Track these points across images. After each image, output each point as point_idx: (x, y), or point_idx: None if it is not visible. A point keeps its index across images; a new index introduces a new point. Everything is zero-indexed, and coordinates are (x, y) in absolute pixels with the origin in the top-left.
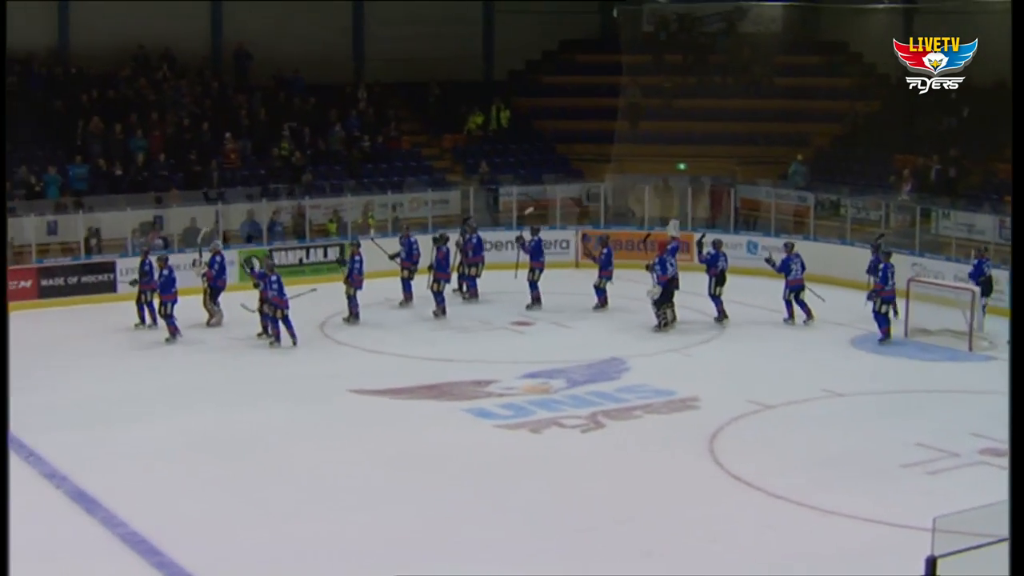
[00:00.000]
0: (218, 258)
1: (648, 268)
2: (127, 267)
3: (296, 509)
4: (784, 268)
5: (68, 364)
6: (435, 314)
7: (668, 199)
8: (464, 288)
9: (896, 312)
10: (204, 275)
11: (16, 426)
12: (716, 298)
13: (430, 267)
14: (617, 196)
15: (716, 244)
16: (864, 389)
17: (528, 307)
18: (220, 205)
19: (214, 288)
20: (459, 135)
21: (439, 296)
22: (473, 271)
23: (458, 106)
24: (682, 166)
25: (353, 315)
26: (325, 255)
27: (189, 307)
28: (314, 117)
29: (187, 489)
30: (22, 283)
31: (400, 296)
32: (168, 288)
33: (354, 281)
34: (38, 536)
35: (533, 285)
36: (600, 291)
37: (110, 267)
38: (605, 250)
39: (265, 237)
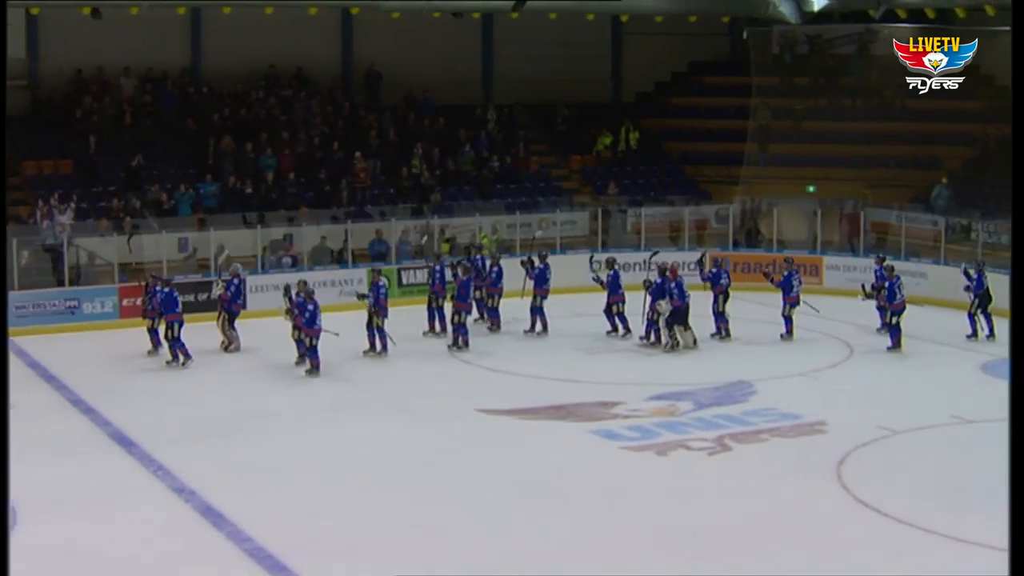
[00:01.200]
0: (235, 281)
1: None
2: (257, 284)
3: (420, 528)
4: (785, 284)
5: (196, 379)
6: (458, 345)
7: (797, 222)
8: (484, 317)
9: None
10: (219, 298)
11: (145, 440)
12: (720, 315)
13: (452, 297)
14: (746, 218)
15: (718, 262)
16: (994, 416)
17: (525, 332)
18: (349, 224)
19: (229, 312)
20: (588, 156)
21: (460, 328)
22: (492, 301)
23: (587, 127)
24: (811, 189)
25: (382, 347)
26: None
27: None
28: (444, 137)
29: (314, 506)
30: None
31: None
32: (172, 309)
33: (380, 309)
34: (165, 550)
35: (537, 311)
36: (622, 317)
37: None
38: (611, 273)
39: (393, 256)
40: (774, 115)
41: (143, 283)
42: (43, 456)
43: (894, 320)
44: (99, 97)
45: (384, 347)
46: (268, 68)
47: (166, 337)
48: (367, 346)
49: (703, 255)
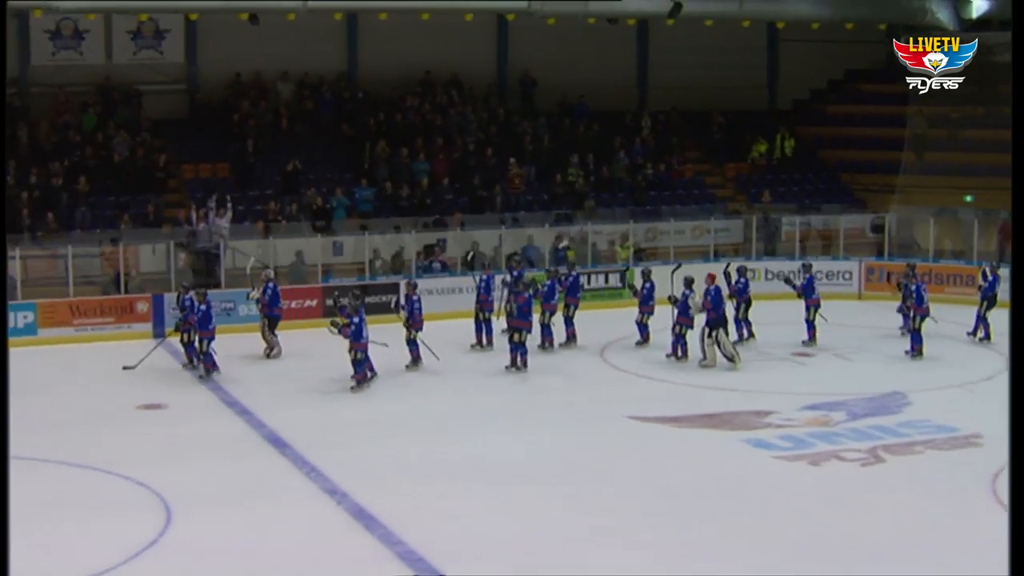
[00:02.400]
0: (271, 285)
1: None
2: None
3: (571, 535)
4: (808, 289)
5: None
6: (517, 368)
7: (954, 232)
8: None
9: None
10: (259, 302)
11: (299, 442)
12: (744, 321)
13: (511, 316)
14: (902, 227)
15: (741, 271)
16: None
17: (560, 345)
18: (503, 229)
19: (270, 318)
20: (742, 164)
21: (519, 347)
22: (510, 308)
23: (742, 134)
24: (969, 198)
25: (417, 359)
26: (606, 281)
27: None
28: (598, 144)
29: (466, 511)
30: (307, 302)
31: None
32: (206, 324)
33: (415, 323)
34: (317, 552)
35: (567, 322)
36: (643, 327)
37: (393, 288)
38: (647, 285)
39: (547, 262)
40: (931, 123)
41: (177, 293)
42: (198, 456)
43: (918, 324)
44: (256, 102)
45: (417, 359)
46: (424, 74)
47: (199, 350)
48: (409, 360)
49: (728, 265)
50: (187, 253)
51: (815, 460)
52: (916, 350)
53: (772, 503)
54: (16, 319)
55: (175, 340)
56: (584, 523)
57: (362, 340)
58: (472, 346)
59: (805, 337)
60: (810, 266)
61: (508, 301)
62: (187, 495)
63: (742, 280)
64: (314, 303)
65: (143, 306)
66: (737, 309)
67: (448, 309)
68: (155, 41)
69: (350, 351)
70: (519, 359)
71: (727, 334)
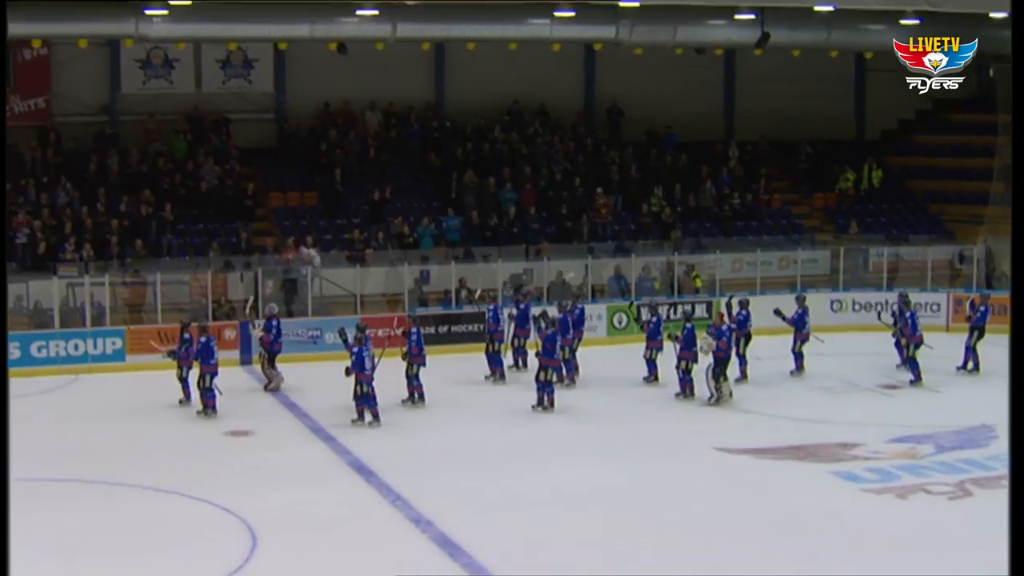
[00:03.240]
0: (274, 322)
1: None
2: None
3: (656, 565)
4: (799, 322)
5: (435, 410)
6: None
7: None
8: (519, 363)
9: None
10: (260, 339)
11: (384, 470)
12: (741, 357)
13: (538, 354)
14: (991, 259)
15: (743, 303)
16: None
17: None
18: (589, 259)
19: (271, 352)
20: (830, 194)
21: (546, 386)
22: (517, 343)
23: (830, 164)
24: None
25: (418, 396)
26: (692, 311)
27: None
28: (685, 174)
29: (550, 540)
30: (395, 331)
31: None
32: (208, 359)
33: (415, 357)
34: None
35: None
36: (651, 363)
37: (479, 317)
38: (654, 319)
39: (632, 292)
40: None
41: (180, 324)
42: (283, 483)
43: (912, 353)
44: (344, 131)
45: (421, 396)
46: (511, 103)
47: (197, 385)
48: (405, 395)
49: (729, 299)
50: (275, 281)
51: (902, 493)
52: (917, 376)
53: (860, 536)
54: (104, 345)
55: (256, 366)
56: (674, 556)
57: (365, 372)
58: (486, 377)
59: (792, 367)
60: (803, 298)
61: (516, 336)
62: (272, 521)
63: (743, 313)
64: (401, 331)
65: (230, 333)
66: (736, 344)
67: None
68: (244, 70)
69: (356, 384)
70: (546, 398)
71: (724, 377)
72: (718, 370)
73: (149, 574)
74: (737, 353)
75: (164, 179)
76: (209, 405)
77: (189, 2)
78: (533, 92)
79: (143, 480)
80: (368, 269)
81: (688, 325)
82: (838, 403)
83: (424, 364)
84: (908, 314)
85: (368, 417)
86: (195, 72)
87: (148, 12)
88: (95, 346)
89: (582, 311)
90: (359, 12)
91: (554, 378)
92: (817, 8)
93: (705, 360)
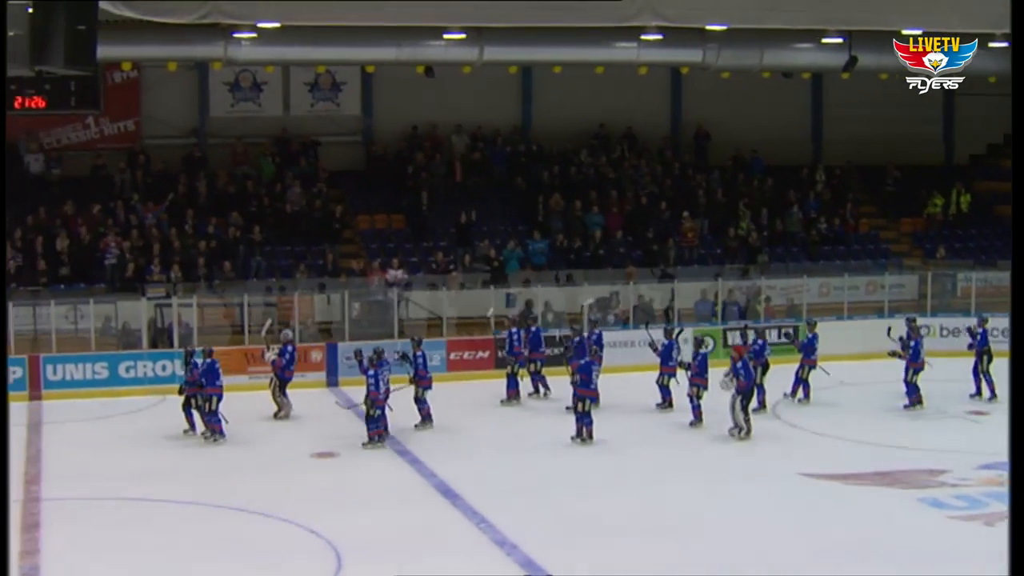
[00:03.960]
0: (289, 348)
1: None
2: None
3: None
4: (808, 348)
5: (523, 434)
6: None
7: None
8: (539, 389)
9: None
10: (272, 363)
11: (470, 493)
12: (760, 387)
13: (574, 383)
14: None
15: (760, 332)
16: None
17: (567, 408)
18: (675, 283)
19: (282, 379)
20: (918, 219)
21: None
22: (533, 367)
23: (918, 189)
24: None
25: (426, 418)
26: (779, 336)
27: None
28: (772, 198)
29: (633, 565)
30: (480, 354)
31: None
32: (213, 381)
33: (421, 379)
34: None
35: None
36: (664, 389)
37: (560, 341)
38: (666, 343)
39: (719, 316)
40: None
41: (185, 348)
42: (369, 505)
43: (912, 378)
44: (431, 154)
45: (428, 417)
46: (598, 127)
47: (197, 408)
48: (419, 419)
49: (744, 327)
50: (361, 303)
51: (990, 520)
52: (913, 401)
53: (947, 563)
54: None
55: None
56: None
57: (379, 397)
58: (502, 401)
59: (801, 395)
60: (815, 324)
61: (532, 360)
62: (358, 543)
63: (759, 342)
64: (486, 354)
65: (317, 355)
66: (756, 373)
67: (624, 362)
68: (332, 93)
69: (365, 406)
70: (584, 430)
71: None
72: (745, 402)
73: None
74: (756, 384)
75: (252, 201)
76: (216, 430)
77: (278, 25)
78: (619, 115)
79: (230, 501)
80: (454, 292)
81: (701, 352)
82: (925, 429)
83: (430, 387)
84: (914, 342)
85: (374, 438)
86: (283, 95)
87: (237, 35)
88: (183, 367)
89: (599, 336)
90: (446, 36)
91: (592, 408)
92: (905, 32)
93: (719, 389)
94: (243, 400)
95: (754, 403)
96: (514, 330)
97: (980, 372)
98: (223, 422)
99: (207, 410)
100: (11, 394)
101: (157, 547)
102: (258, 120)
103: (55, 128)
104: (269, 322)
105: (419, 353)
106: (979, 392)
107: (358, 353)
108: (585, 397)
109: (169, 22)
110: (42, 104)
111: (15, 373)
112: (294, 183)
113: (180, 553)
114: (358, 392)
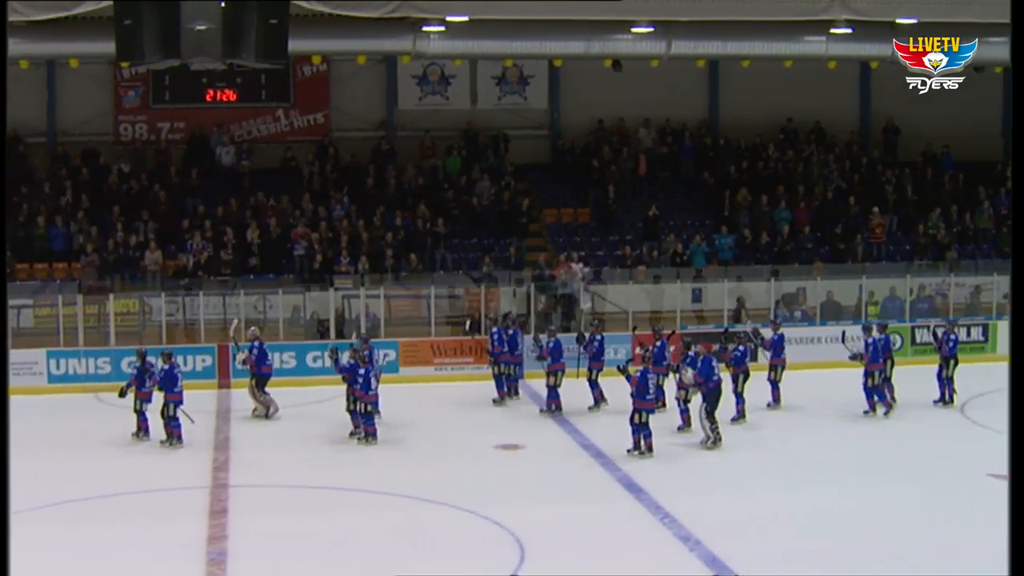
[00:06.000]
0: (256, 344)
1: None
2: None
3: None
4: (776, 345)
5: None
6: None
7: None
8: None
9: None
10: (245, 362)
11: (654, 488)
12: (740, 396)
13: (589, 369)
14: None
15: (743, 340)
16: None
17: (589, 408)
18: (864, 279)
19: (259, 377)
20: None
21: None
22: (509, 369)
23: None
24: None
25: (598, 400)
26: (968, 335)
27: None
28: (962, 194)
29: (818, 564)
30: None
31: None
32: (171, 387)
33: (598, 361)
34: None
35: (593, 385)
36: (658, 389)
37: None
38: (658, 344)
39: (907, 314)
40: None
41: (138, 352)
42: (553, 497)
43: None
44: (618, 148)
45: (602, 398)
46: (786, 122)
47: (161, 414)
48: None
49: (755, 329)
50: (547, 296)
51: None
52: (874, 407)
53: None
54: (379, 357)
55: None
56: None
57: (370, 393)
58: (494, 401)
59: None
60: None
61: (507, 363)
62: (541, 535)
63: (740, 348)
64: (671, 350)
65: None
66: (735, 380)
67: (809, 359)
68: (519, 87)
69: (359, 405)
70: (643, 442)
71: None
72: (710, 408)
73: None
74: (734, 391)
75: (439, 194)
76: (174, 435)
77: (466, 19)
78: (808, 110)
79: (415, 491)
80: (640, 286)
81: (690, 353)
82: None
83: (602, 369)
84: (870, 340)
85: (361, 433)
86: (471, 88)
87: (426, 29)
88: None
89: (602, 341)
90: (634, 29)
91: (649, 420)
92: None
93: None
94: (430, 390)
95: (733, 412)
96: (495, 330)
97: (946, 378)
98: (182, 424)
99: (165, 415)
100: (202, 382)
101: (339, 535)
102: (445, 113)
103: (246, 121)
104: (236, 322)
105: (599, 336)
106: (942, 398)
107: (333, 350)
108: (641, 409)
109: (359, 16)
110: (233, 97)
111: (204, 361)
112: (482, 177)
113: (359, 542)
114: (539, 384)
